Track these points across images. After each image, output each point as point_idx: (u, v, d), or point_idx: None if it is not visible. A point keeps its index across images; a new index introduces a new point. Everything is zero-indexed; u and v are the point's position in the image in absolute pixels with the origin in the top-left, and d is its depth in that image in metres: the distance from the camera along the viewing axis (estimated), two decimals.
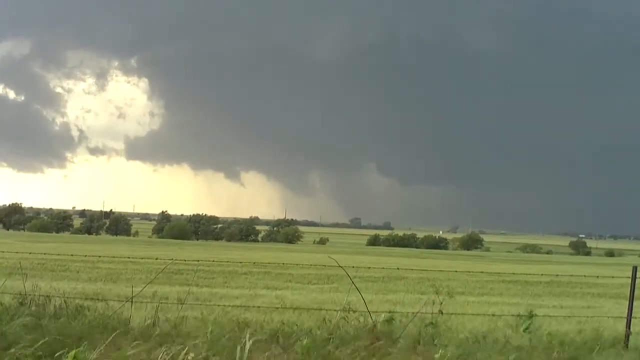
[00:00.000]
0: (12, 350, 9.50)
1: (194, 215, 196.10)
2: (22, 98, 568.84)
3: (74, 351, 9.05)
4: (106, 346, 9.72)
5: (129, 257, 26.29)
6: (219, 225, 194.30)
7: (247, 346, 10.17)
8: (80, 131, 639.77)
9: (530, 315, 13.76)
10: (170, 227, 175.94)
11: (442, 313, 13.41)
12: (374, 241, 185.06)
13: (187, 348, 9.80)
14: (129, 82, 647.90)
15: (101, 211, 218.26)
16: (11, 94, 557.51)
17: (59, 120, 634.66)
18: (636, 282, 14.21)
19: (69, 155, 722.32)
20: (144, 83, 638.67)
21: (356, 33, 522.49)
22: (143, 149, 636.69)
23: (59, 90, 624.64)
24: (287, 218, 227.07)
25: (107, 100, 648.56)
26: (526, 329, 13.50)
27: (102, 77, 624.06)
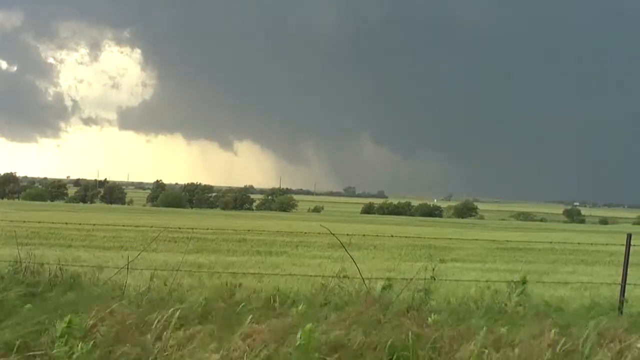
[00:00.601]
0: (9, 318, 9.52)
1: (188, 184, 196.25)
2: (15, 69, 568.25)
3: (68, 316, 9.06)
4: (101, 312, 9.74)
5: (123, 225, 26.29)
6: (214, 194, 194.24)
7: (243, 312, 10.21)
8: (74, 101, 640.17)
9: (523, 282, 13.81)
10: (165, 196, 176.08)
11: (435, 279, 13.46)
12: (369, 209, 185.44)
13: (178, 312, 9.82)
14: (122, 53, 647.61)
15: (95, 180, 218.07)
16: (3, 65, 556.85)
17: (52, 90, 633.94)
18: (630, 249, 14.26)
19: (62, 125, 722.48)
20: (137, 54, 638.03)
21: (353, 5, 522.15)
22: (135, 119, 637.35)
23: (51, 60, 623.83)
24: (281, 187, 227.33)
25: (100, 70, 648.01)
26: (519, 295, 13.55)
27: (95, 47, 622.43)
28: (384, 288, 13.41)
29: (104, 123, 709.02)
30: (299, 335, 9.09)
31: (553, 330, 10.17)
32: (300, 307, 11.26)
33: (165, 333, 9.14)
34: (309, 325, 9.26)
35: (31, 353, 8.54)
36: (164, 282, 13.97)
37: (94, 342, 8.71)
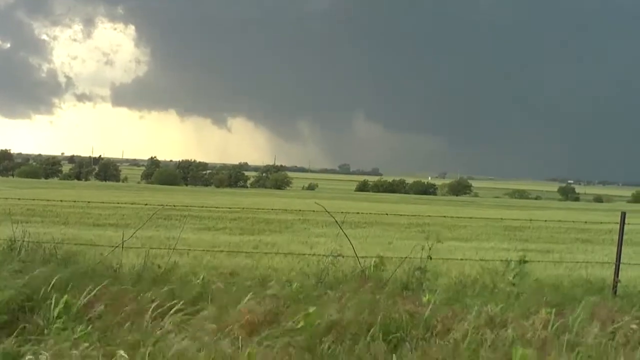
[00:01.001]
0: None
1: (182, 161, 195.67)
2: (8, 45, 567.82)
3: (65, 297, 9.08)
4: (95, 291, 9.76)
5: (118, 203, 26.32)
6: (208, 171, 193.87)
7: (238, 291, 10.24)
8: (67, 78, 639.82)
9: (521, 262, 13.84)
10: (160, 173, 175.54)
11: (430, 258, 13.48)
12: (363, 187, 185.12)
13: (174, 293, 9.86)
14: (115, 29, 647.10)
15: (90, 157, 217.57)
16: None
17: (45, 67, 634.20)
18: (624, 228, 14.27)
19: (56, 101, 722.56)
20: (130, 30, 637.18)
21: None
22: (129, 95, 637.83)
23: (45, 37, 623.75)
24: (276, 164, 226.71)
25: (94, 47, 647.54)
26: (516, 275, 13.59)
27: (89, 24, 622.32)
28: (375, 266, 13.46)
29: (98, 99, 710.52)
30: (300, 316, 9.13)
31: (546, 310, 10.23)
32: (294, 286, 11.30)
33: (160, 313, 9.16)
34: (313, 309, 9.30)
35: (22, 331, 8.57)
36: (159, 260, 13.99)
37: (91, 322, 8.74)
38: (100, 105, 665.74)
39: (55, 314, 8.85)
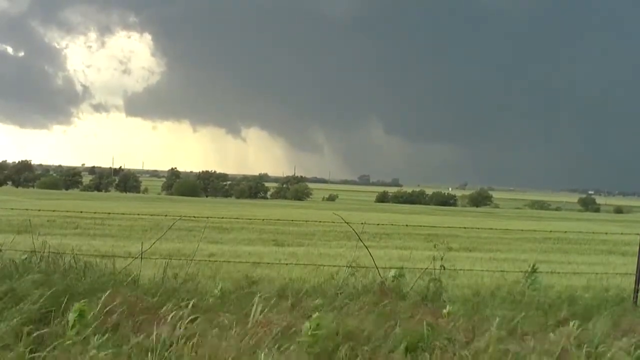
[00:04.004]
0: (21, 305, 9.57)
1: (203, 172, 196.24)
2: (22, 54, 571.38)
3: (78, 304, 9.10)
4: (114, 301, 9.77)
5: (138, 214, 26.36)
6: (228, 182, 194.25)
7: (256, 302, 10.22)
8: (84, 87, 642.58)
9: (534, 271, 13.79)
10: (180, 184, 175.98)
11: (447, 269, 13.46)
12: (383, 198, 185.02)
13: (192, 302, 9.86)
14: (129, 37, 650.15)
15: (110, 168, 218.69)
16: (10, 50, 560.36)
17: (61, 75, 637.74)
18: None
19: (73, 111, 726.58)
20: (146, 39, 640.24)
21: None
22: (142, 105, 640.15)
23: (58, 45, 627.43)
24: (296, 175, 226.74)
25: (109, 55, 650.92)
26: (530, 284, 13.54)
27: (104, 32, 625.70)
28: (398, 278, 13.41)
29: (112, 109, 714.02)
30: (307, 325, 9.10)
31: (567, 321, 10.18)
32: (314, 298, 11.28)
33: (179, 323, 9.16)
34: (316, 315, 9.29)
35: (41, 341, 8.59)
36: (179, 271, 14.00)
37: (107, 332, 8.74)
38: (115, 115, 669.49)
39: (71, 324, 8.88)
